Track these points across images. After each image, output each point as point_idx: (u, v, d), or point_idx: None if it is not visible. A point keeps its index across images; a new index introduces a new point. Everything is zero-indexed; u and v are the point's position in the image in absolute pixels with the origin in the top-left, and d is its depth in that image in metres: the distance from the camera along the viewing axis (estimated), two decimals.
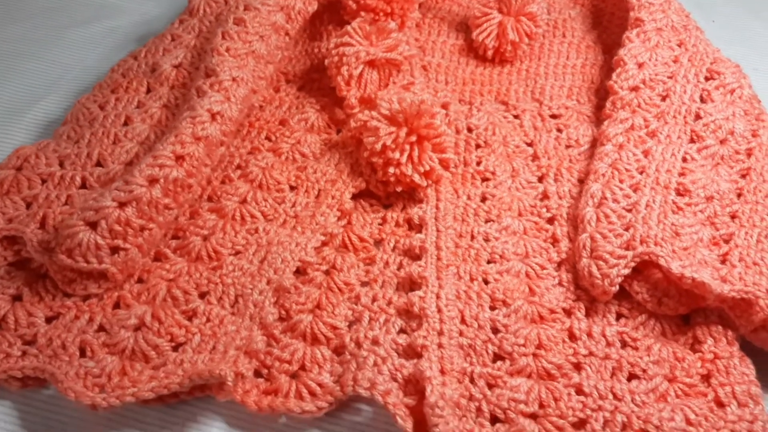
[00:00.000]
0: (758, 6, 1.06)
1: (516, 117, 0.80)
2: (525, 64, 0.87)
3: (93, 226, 0.59)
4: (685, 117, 0.73)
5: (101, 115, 0.73)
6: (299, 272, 0.65)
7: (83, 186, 0.67)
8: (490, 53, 0.86)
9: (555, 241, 0.68)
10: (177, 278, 0.63)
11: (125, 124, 0.72)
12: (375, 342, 0.59)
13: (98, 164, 0.68)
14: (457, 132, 0.77)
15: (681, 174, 0.68)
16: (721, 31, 0.99)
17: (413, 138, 0.69)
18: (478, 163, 0.75)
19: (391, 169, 0.69)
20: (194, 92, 0.70)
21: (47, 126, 0.80)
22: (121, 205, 0.60)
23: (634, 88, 0.76)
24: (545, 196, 0.72)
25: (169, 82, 0.75)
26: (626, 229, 0.63)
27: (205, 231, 0.66)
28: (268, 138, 0.76)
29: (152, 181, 0.62)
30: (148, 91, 0.75)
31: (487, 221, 0.69)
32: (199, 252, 0.65)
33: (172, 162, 0.63)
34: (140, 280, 0.63)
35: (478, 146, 0.76)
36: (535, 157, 0.75)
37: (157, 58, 0.77)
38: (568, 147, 0.76)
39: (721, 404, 0.57)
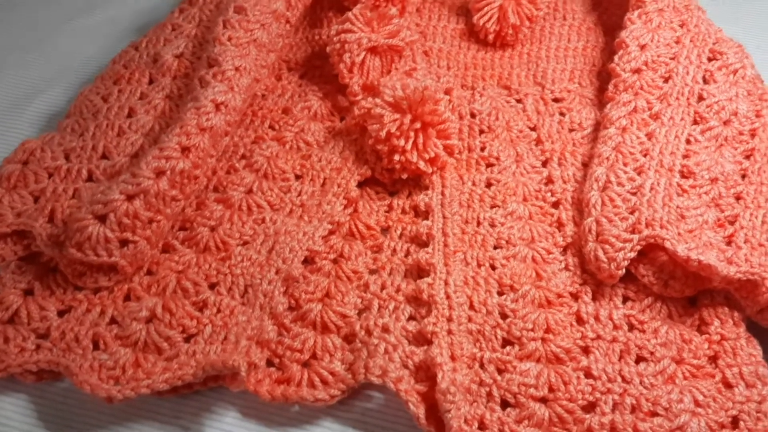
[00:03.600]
0: None
1: (519, 101, 0.80)
2: (526, 48, 0.87)
3: (102, 219, 0.60)
4: (688, 98, 0.73)
5: (105, 107, 0.72)
6: (307, 261, 0.65)
7: (89, 179, 0.67)
8: (491, 37, 0.86)
9: (560, 225, 0.68)
10: (186, 269, 0.63)
11: (129, 115, 0.72)
12: (385, 329, 0.60)
13: (104, 157, 0.68)
14: (461, 117, 0.78)
15: (685, 156, 0.69)
16: (722, 8, 0.99)
17: (417, 125, 0.69)
18: (482, 149, 0.75)
19: (397, 157, 0.69)
20: (197, 83, 0.70)
21: (50, 118, 0.80)
22: (129, 198, 0.60)
23: (637, 70, 0.76)
24: (549, 180, 0.72)
25: (171, 73, 0.75)
26: (631, 213, 0.64)
27: (212, 222, 0.67)
28: (271, 127, 0.76)
29: (159, 173, 0.62)
30: (151, 81, 0.75)
31: (492, 207, 0.70)
32: (207, 243, 0.65)
33: (178, 154, 0.63)
34: (149, 272, 0.64)
35: (481, 131, 0.76)
36: (538, 141, 0.76)
37: (158, 48, 0.77)
38: (571, 131, 0.76)
39: (729, 385, 0.57)
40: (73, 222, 0.60)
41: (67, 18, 0.94)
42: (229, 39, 0.73)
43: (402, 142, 0.69)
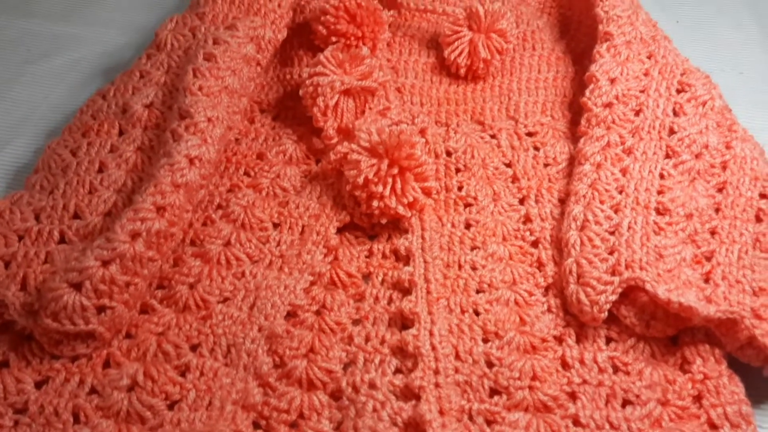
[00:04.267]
0: (719, 1, 1.07)
1: (493, 137, 0.80)
2: (498, 80, 0.87)
3: (77, 287, 0.58)
4: (659, 132, 0.74)
5: (74, 162, 0.71)
6: (289, 314, 0.65)
7: (62, 240, 0.65)
8: (462, 71, 0.86)
9: (540, 265, 0.68)
10: (166, 331, 0.62)
11: (100, 170, 0.70)
12: (372, 386, 0.59)
13: (76, 216, 0.66)
14: (436, 156, 0.77)
15: (659, 192, 0.69)
16: (686, 32, 1.00)
17: (395, 170, 0.69)
18: (460, 188, 0.75)
19: (375, 203, 0.69)
20: (169, 135, 0.68)
21: (17, 172, 0.78)
22: (105, 263, 0.59)
23: (608, 105, 0.76)
24: (527, 218, 0.72)
25: (141, 123, 0.73)
26: (610, 253, 0.64)
27: (190, 279, 0.65)
28: (246, 173, 0.75)
29: (134, 235, 0.60)
30: (121, 133, 0.73)
31: (473, 248, 0.70)
32: (187, 301, 0.64)
33: (153, 214, 0.62)
34: (128, 335, 0.62)
35: (458, 170, 0.76)
36: (514, 178, 0.76)
37: (127, 98, 0.75)
38: (546, 165, 0.77)
39: (714, 426, 0.58)
40: (47, 291, 0.58)
41: (27, 62, 0.91)
42: (200, 88, 0.71)
43: (380, 188, 0.68)
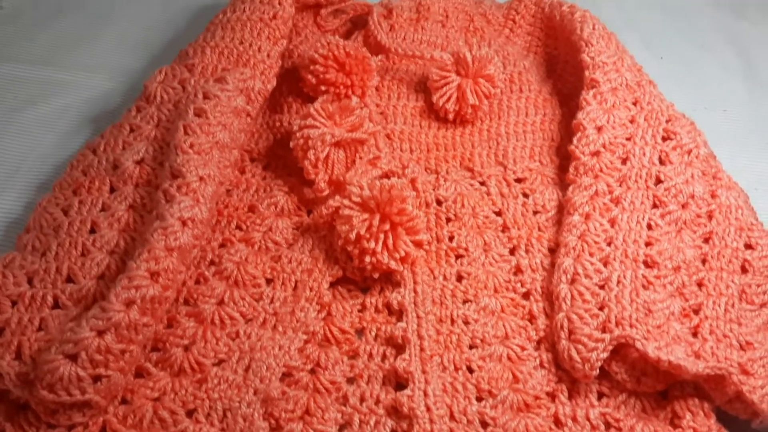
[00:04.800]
0: (703, 38, 1.09)
1: (482, 184, 0.81)
2: (486, 124, 0.87)
3: (73, 358, 0.58)
4: (646, 181, 0.75)
5: (66, 221, 0.70)
6: (284, 375, 0.65)
7: (56, 305, 0.65)
8: (451, 116, 0.87)
9: (532, 317, 0.69)
10: (162, 397, 0.62)
11: (92, 231, 0.70)
12: None
13: (69, 280, 0.66)
14: (427, 206, 0.78)
15: (647, 243, 0.70)
16: (671, 69, 1.02)
17: (387, 225, 0.69)
18: (451, 239, 0.75)
19: (368, 258, 0.69)
20: (161, 195, 0.68)
21: (7, 228, 0.78)
22: (100, 333, 0.59)
23: (595, 153, 0.77)
24: (518, 269, 0.73)
25: (132, 180, 0.73)
26: (601, 308, 0.65)
27: (185, 340, 0.66)
28: (238, 227, 0.75)
29: (129, 303, 0.60)
30: (112, 190, 0.73)
31: (465, 302, 0.70)
32: (182, 364, 0.64)
33: (147, 281, 0.62)
34: (124, 400, 0.62)
35: (448, 220, 0.77)
36: (504, 227, 0.77)
37: (118, 153, 0.75)
38: (535, 213, 0.78)
39: None
40: (43, 363, 0.58)
41: (14, 110, 0.90)
42: (191, 146, 0.71)
43: (372, 244, 0.69)
